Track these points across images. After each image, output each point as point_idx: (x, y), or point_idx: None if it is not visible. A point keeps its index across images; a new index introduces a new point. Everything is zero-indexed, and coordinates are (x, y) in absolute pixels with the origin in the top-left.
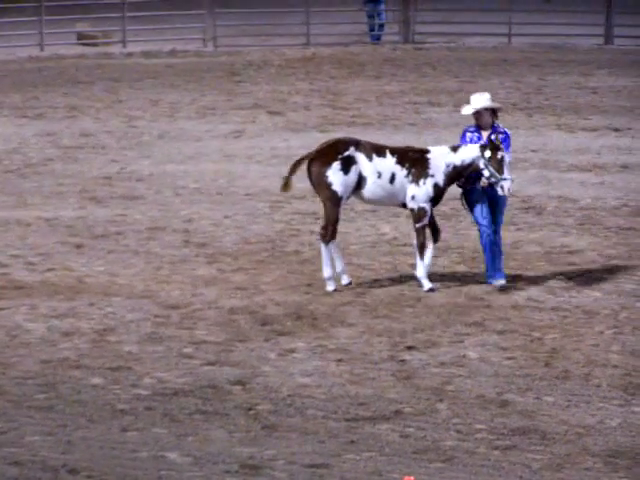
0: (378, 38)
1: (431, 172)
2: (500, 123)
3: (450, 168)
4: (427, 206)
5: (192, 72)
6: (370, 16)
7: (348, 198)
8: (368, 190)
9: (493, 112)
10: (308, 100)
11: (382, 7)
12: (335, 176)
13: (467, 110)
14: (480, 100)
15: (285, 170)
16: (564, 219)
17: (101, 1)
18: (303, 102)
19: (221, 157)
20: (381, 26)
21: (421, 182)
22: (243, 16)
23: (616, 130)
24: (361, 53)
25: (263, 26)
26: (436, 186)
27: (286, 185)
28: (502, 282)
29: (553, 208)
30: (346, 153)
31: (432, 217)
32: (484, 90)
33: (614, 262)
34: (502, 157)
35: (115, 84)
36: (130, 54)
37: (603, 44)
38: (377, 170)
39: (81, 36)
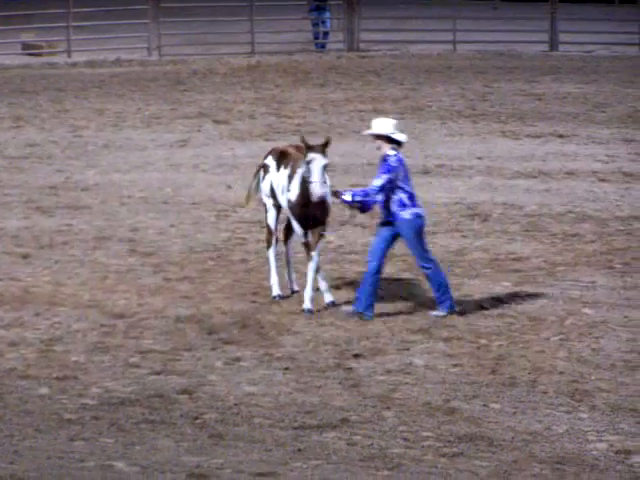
0: (323, 46)
1: (290, 187)
2: (391, 154)
3: (301, 180)
4: (290, 217)
5: (137, 81)
6: (315, 24)
7: (275, 204)
8: (280, 200)
9: (393, 141)
10: (253, 109)
11: (327, 15)
12: (260, 182)
13: (368, 132)
14: (376, 125)
15: (230, 179)
16: (509, 226)
17: (46, 11)
18: (248, 111)
19: (167, 166)
20: (326, 34)
21: (285, 194)
22: (187, 25)
23: (561, 136)
24: (306, 61)
25: (208, 35)
26: (289, 201)
27: (248, 198)
28: (442, 314)
29: (498, 215)
30: (264, 161)
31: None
32: (429, 96)
33: (560, 268)
34: (311, 159)
35: (60, 94)
36: (75, 64)
37: (548, 50)
38: (277, 181)
39: (26, 46)
